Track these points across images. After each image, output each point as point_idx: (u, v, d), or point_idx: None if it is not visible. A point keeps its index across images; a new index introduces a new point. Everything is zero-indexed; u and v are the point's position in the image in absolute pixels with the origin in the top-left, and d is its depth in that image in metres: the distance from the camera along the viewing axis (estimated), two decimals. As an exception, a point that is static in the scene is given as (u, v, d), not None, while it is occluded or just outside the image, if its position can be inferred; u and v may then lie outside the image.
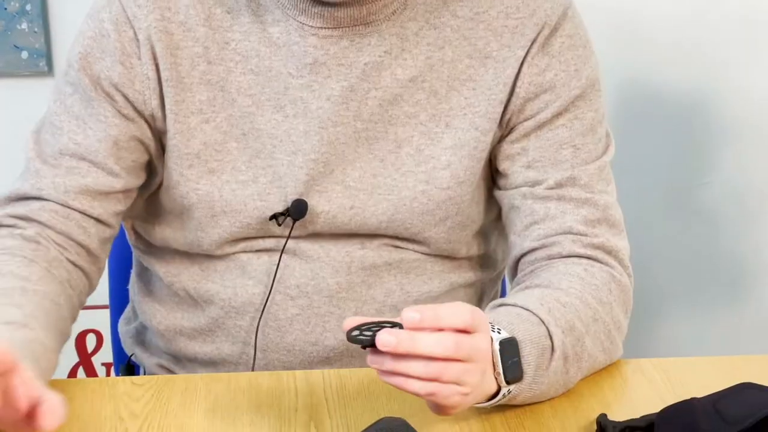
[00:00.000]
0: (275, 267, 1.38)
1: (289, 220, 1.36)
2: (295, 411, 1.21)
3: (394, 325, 1.06)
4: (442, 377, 1.05)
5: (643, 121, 2.44)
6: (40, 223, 1.33)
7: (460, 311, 1.07)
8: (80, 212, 1.34)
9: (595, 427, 1.16)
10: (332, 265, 1.39)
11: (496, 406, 1.17)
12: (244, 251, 1.39)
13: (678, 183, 2.48)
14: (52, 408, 1.00)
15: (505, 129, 1.36)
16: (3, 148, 2.31)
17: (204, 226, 1.38)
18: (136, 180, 1.38)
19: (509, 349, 1.13)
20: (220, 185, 1.35)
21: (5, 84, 2.30)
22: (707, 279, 2.55)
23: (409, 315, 1.04)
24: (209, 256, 1.41)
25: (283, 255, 1.38)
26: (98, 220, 1.36)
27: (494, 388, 1.14)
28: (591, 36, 1.38)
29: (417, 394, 1.06)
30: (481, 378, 1.09)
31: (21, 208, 1.34)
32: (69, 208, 1.34)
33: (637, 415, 1.16)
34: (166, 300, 1.47)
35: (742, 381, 1.13)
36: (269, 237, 1.38)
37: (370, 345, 1.05)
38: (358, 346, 1.07)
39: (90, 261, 1.36)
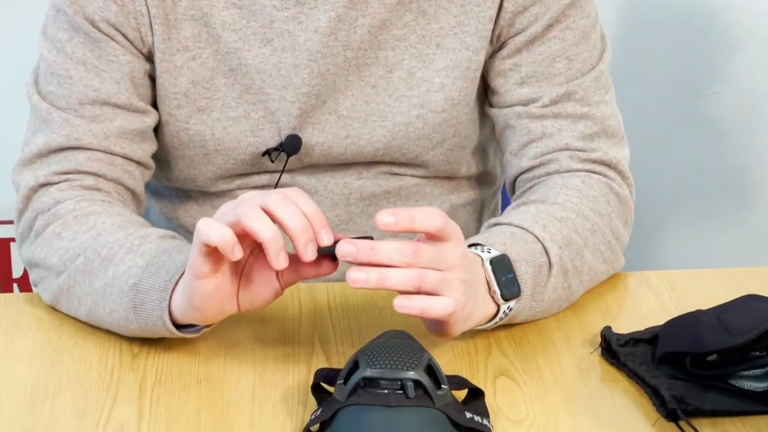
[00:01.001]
0: None
1: (283, 155, 1.34)
2: (299, 324, 1.21)
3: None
4: (423, 286, 1.03)
5: (651, 30, 2.41)
6: (92, 174, 1.28)
7: (434, 215, 1.04)
8: (123, 157, 1.30)
9: (599, 339, 1.16)
10: (330, 198, 1.38)
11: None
12: (239, 188, 1.37)
13: (685, 92, 2.46)
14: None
15: (496, 45, 1.33)
16: (3, 57, 2.30)
17: (197, 164, 1.36)
18: (158, 115, 1.34)
19: (501, 266, 1.13)
20: (211, 123, 1.32)
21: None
22: (713, 189, 2.54)
23: (384, 219, 1.03)
24: (205, 193, 1.40)
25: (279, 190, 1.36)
26: (139, 163, 1.32)
27: (493, 309, 1.14)
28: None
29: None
30: (464, 289, 1.07)
31: (66, 164, 1.28)
32: (112, 154, 1.29)
33: (642, 328, 1.16)
34: None
35: (748, 293, 1.13)
36: (264, 173, 1.36)
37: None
38: None
39: (138, 206, 1.34)
